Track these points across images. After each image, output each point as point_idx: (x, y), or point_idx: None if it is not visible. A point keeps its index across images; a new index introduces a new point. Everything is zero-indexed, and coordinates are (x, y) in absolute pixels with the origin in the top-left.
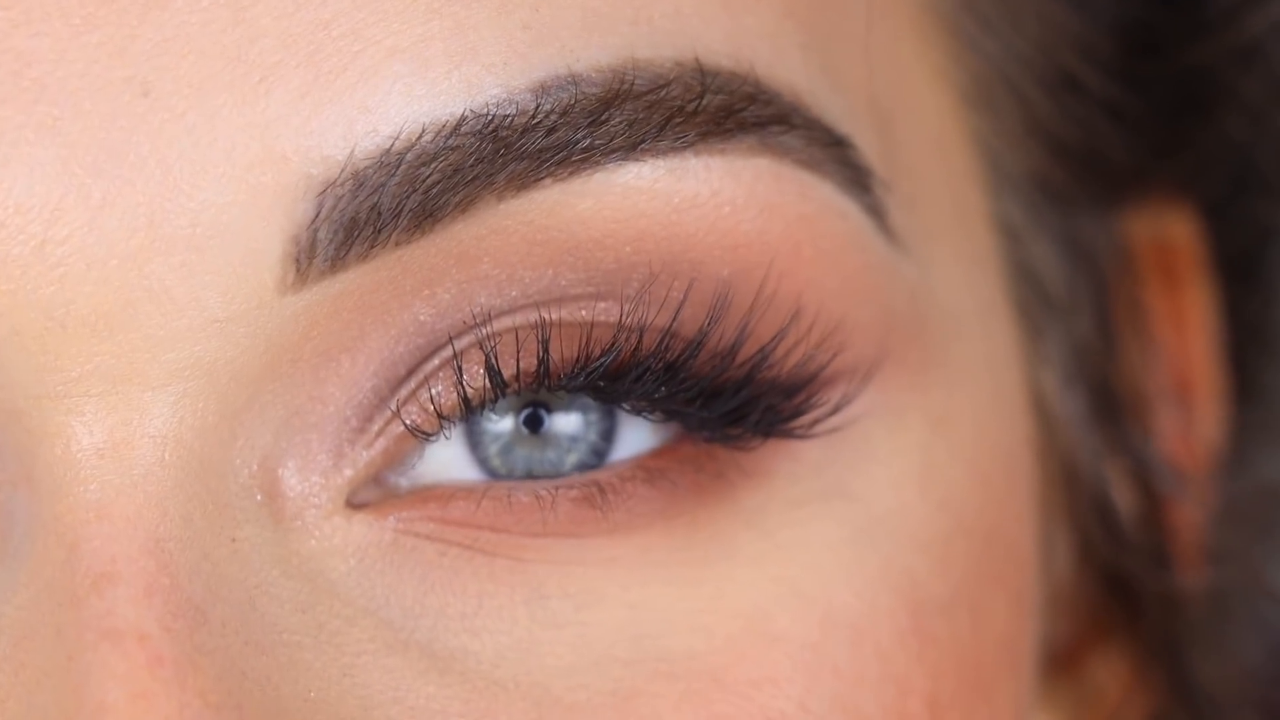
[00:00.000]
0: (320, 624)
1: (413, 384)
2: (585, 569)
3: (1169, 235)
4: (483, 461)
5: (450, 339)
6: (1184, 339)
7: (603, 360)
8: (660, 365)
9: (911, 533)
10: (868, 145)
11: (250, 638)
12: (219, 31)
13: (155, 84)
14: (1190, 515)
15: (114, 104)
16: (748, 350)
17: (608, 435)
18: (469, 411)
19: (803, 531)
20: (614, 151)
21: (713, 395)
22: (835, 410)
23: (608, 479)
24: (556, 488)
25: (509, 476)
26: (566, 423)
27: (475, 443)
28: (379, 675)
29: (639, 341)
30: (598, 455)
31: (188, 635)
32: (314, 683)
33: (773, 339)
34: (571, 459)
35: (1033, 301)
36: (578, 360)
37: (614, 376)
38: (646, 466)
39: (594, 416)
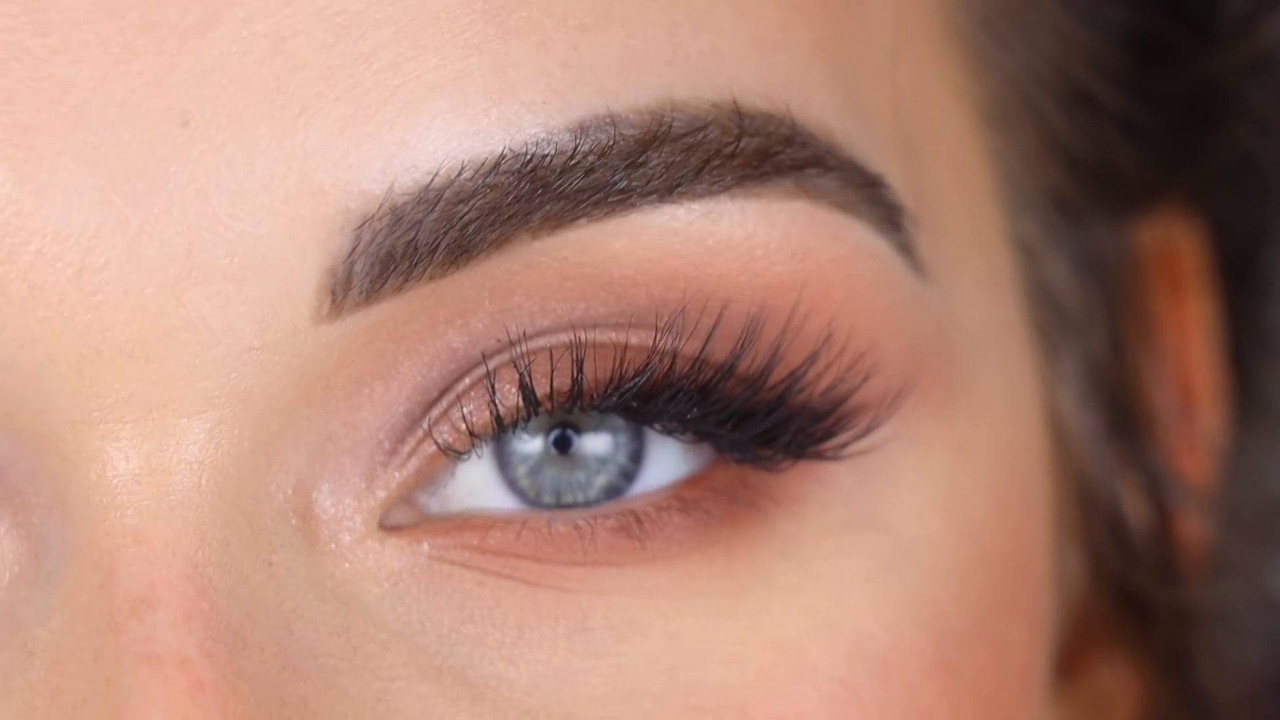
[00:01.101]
0: (355, 648)
1: (444, 404)
2: (628, 599)
3: (1172, 243)
4: (511, 483)
5: (484, 358)
6: (1186, 346)
7: (636, 381)
8: (693, 387)
9: (936, 563)
10: (896, 178)
11: (288, 662)
12: (258, 62)
13: (194, 114)
14: (1196, 526)
15: (153, 133)
16: (779, 373)
17: (636, 457)
18: (500, 430)
19: (836, 562)
20: (651, 194)
21: (745, 417)
22: (866, 432)
23: (643, 508)
24: (594, 517)
25: (538, 498)
26: (595, 444)
27: (504, 464)
28: (411, 701)
29: (672, 364)
30: (626, 477)
31: (227, 660)
32: (349, 708)
33: (804, 362)
34: (600, 480)
35: (1049, 320)
36: (611, 380)
37: (647, 397)
38: (681, 496)
39: (623, 438)
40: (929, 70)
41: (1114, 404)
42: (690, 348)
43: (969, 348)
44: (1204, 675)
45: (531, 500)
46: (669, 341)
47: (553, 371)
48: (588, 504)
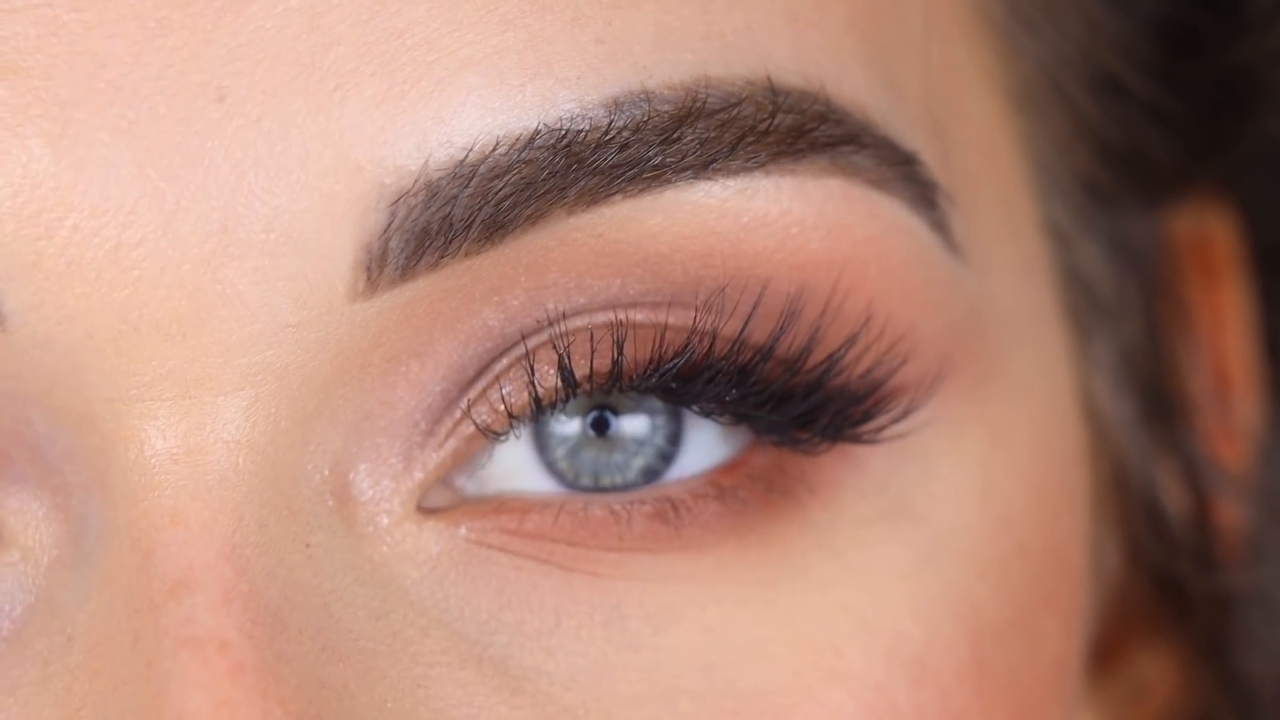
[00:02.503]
0: (394, 632)
1: (482, 384)
2: (662, 586)
3: (1207, 231)
4: (550, 465)
5: (523, 338)
6: (1222, 334)
7: (675, 361)
8: (732, 368)
9: (972, 555)
10: (930, 157)
11: (327, 644)
12: (293, 38)
13: (230, 89)
14: (1234, 513)
15: (189, 108)
16: (817, 356)
17: (674, 439)
18: (539, 411)
19: (871, 555)
20: (685, 170)
21: (783, 399)
22: (904, 415)
23: (679, 495)
24: (630, 502)
25: (576, 480)
26: (633, 425)
27: (542, 445)
28: (452, 689)
29: (711, 345)
30: (664, 459)
31: (267, 642)
32: (389, 692)
33: (842, 345)
34: (638, 462)
35: (1082, 305)
36: (650, 361)
37: (686, 378)
38: (717, 483)
39: (660, 420)
40: (959, 54)
41: (1149, 390)
42: (730, 328)
43: (1003, 330)
44: (1243, 661)
45: (570, 482)
46: (709, 321)
47: (593, 353)
48: (625, 486)
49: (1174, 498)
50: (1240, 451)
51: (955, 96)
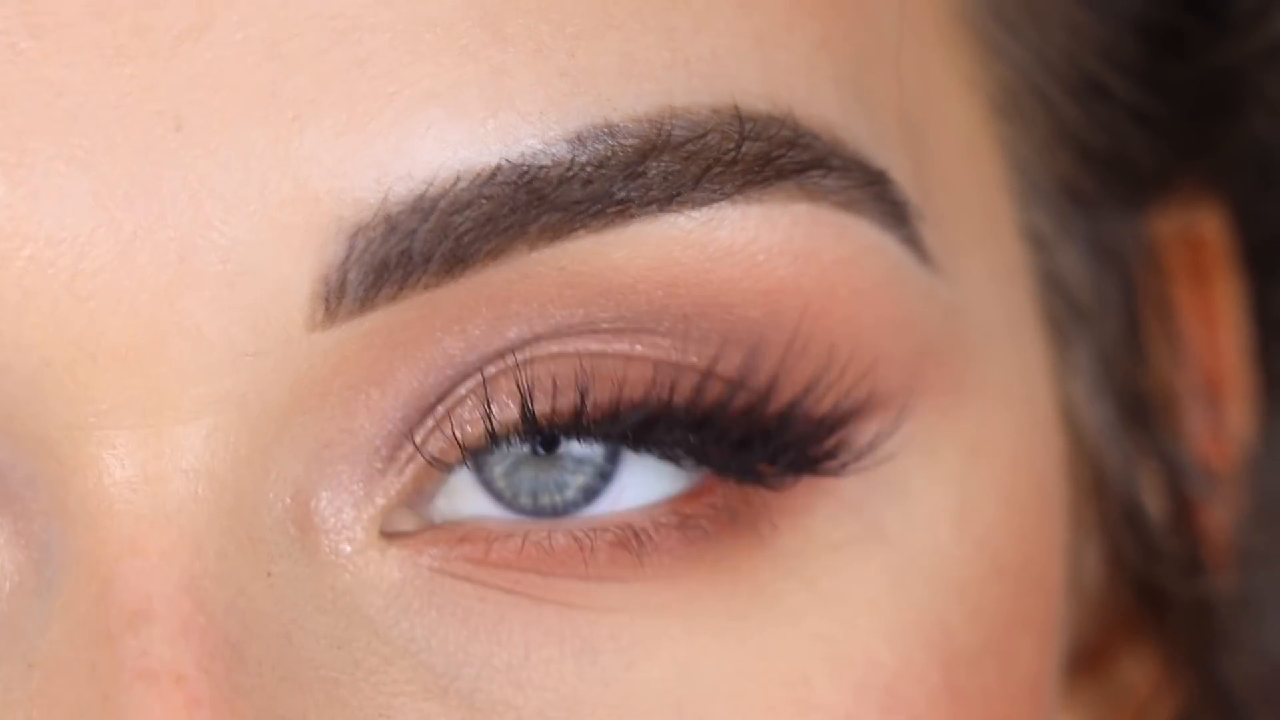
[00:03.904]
0: (357, 661)
1: (440, 411)
2: (634, 618)
3: (1197, 231)
4: (487, 484)
5: (481, 367)
6: (1213, 335)
7: (634, 415)
8: (691, 420)
9: (948, 577)
10: (902, 170)
11: (287, 674)
12: (253, 66)
13: (188, 118)
14: (1220, 516)
15: (146, 137)
16: (779, 401)
17: (613, 457)
18: (494, 444)
19: (843, 581)
20: (650, 203)
21: (743, 445)
22: (869, 450)
23: (640, 523)
24: (592, 529)
25: (515, 499)
26: (574, 445)
27: (479, 464)
28: (415, 719)
29: (670, 395)
30: (603, 477)
31: (225, 675)
32: None
33: (805, 389)
34: (578, 480)
35: (1061, 311)
36: (609, 413)
37: (646, 427)
38: (679, 511)
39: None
40: (937, 59)
41: (1130, 394)
42: (695, 364)
43: (979, 340)
44: (1226, 666)
45: (508, 502)
46: (672, 356)
47: (554, 393)
48: (565, 505)
49: (1156, 502)
50: (1230, 454)
51: (932, 102)
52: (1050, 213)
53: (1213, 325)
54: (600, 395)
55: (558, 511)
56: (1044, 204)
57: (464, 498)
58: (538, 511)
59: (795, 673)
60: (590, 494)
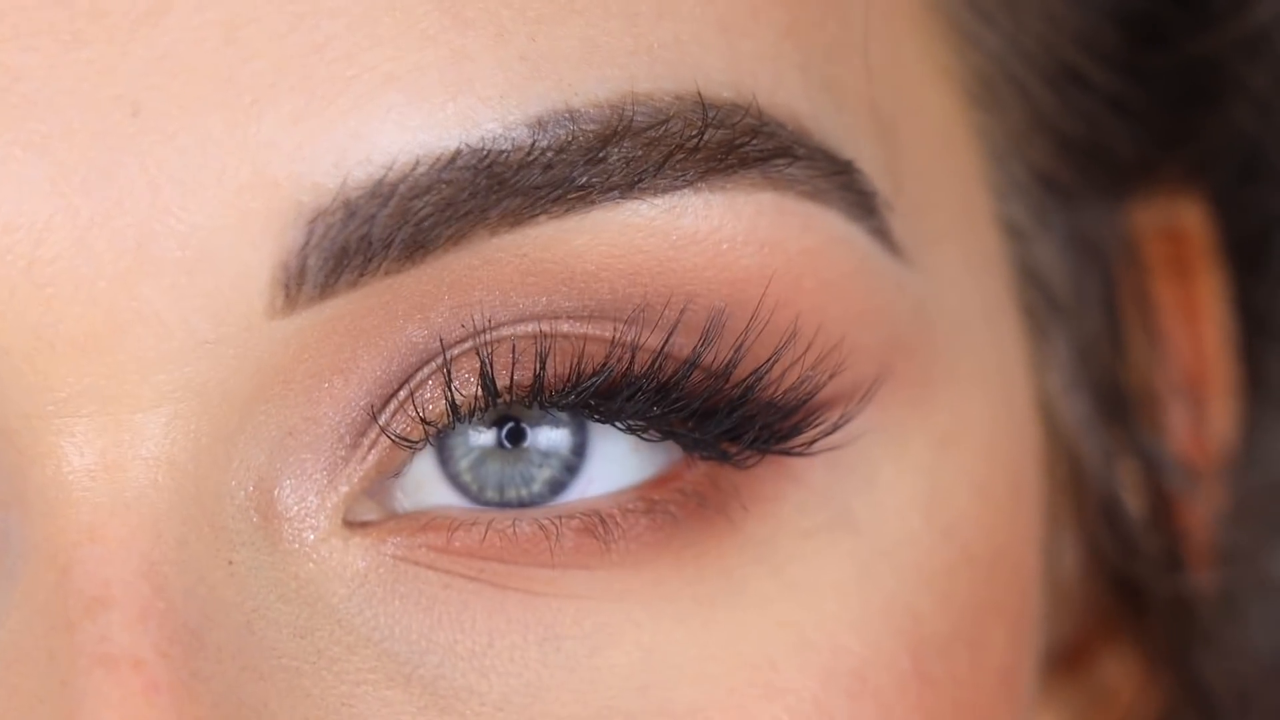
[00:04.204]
0: (319, 650)
1: (403, 395)
2: (598, 604)
3: (1179, 224)
4: (453, 477)
5: (444, 349)
6: (1195, 330)
7: (594, 380)
8: (653, 385)
9: (917, 565)
10: (871, 161)
11: (248, 663)
12: (211, 51)
13: (145, 103)
14: (1201, 513)
15: (104, 122)
16: (742, 370)
17: (579, 450)
18: (456, 420)
19: (810, 569)
20: (612, 190)
21: (708, 415)
22: (834, 428)
23: (608, 509)
24: (559, 517)
25: (481, 493)
26: (538, 437)
27: (446, 458)
28: (378, 707)
29: (631, 361)
30: (570, 470)
31: (184, 661)
32: (313, 711)
33: (768, 360)
34: (544, 474)
35: (1038, 303)
36: (569, 378)
37: (606, 395)
38: (647, 497)
39: (565, 432)
40: (910, 48)
41: (1109, 388)
42: (652, 341)
43: (952, 331)
44: (1205, 663)
45: (475, 495)
46: (630, 334)
47: (514, 365)
48: (531, 499)
49: (1136, 498)
50: (1211, 450)
51: (905, 92)
52: (1027, 204)
53: (1195, 320)
54: (560, 366)
55: (524, 504)
56: (1020, 195)
57: (429, 491)
58: (504, 505)
59: (761, 657)
60: (557, 487)
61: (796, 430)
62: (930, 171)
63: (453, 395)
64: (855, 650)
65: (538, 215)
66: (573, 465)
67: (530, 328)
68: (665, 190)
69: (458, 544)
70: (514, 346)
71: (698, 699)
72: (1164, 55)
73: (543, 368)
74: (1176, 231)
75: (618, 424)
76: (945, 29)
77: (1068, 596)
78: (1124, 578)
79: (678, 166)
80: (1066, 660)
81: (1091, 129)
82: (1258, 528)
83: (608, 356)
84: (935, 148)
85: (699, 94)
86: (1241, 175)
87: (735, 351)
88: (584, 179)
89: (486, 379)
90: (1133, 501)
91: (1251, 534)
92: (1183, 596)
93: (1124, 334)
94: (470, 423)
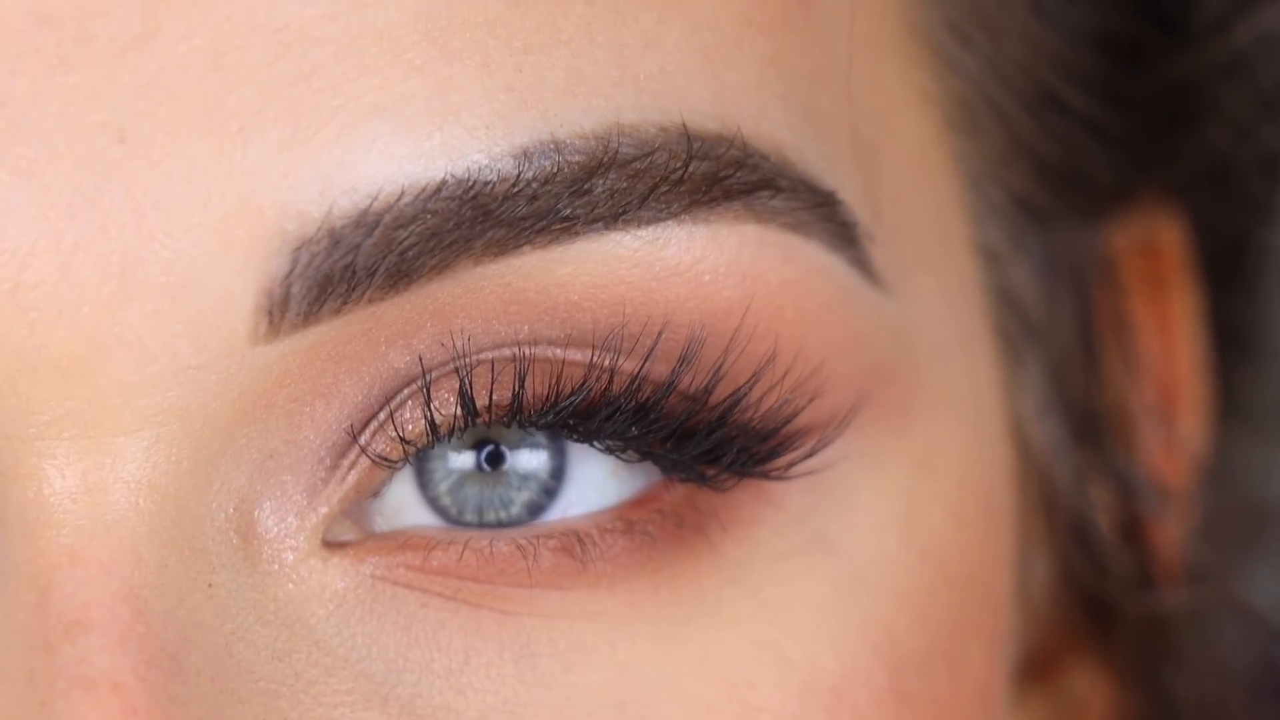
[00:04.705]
0: (297, 673)
1: (383, 415)
2: (573, 623)
3: (1154, 241)
4: (433, 500)
5: (425, 373)
6: (1169, 346)
7: (573, 399)
8: (631, 405)
9: (893, 585)
10: (852, 190)
11: (226, 686)
12: (197, 78)
13: (131, 129)
14: (1172, 531)
15: (89, 148)
16: (720, 393)
17: (558, 474)
18: (436, 439)
19: (787, 589)
20: (596, 221)
21: (685, 436)
22: (812, 453)
23: (585, 529)
24: (536, 536)
25: (460, 516)
26: (517, 460)
27: (425, 481)
28: None
29: (610, 381)
30: (548, 494)
31: (162, 685)
32: None
33: (746, 382)
34: (523, 497)
35: (1013, 326)
36: (548, 398)
37: (585, 415)
38: (625, 517)
39: (544, 454)
40: (890, 73)
41: (1082, 410)
42: (629, 365)
43: (929, 357)
44: (1174, 680)
45: (454, 518)
46: (607, 358)
47: (493, 384)
48: (510, 522)
49: (1108, 517)
50: (1182, 468)
51: (885, 119)
52: (1003, 228)
53: (1168, 336)
54: (539, 386)
55: (502, 526)
56: (997, 219)
57: (409, 514)
58: (483, 527)
59: (738, 675)
60: (535, 509)
61: (774, 454)
62: (909, 197)
63: (432, 415)
64: (832, 669)
65: (522, 246)
66: (551, 489)
67: (510, 351)
68: (649, 222)
69: (435, 563)
70: (493, 366)
71: (675, 716)
72: (1142, 79)
73: (521, 387)
74: (1151, 247)
75: (596, 444)
76: (925, 54)
77: (1038, 612)
78: (1094, 595)
79: (662, 199)
80: (1036, 672)
81: (1069, 153)
82: (1229, 546)
83: (585, 376)
84: (914, 174)
85: (684, 126)
86: (1216, 194)
87: (714, 374)
88: (569, 210)
89: (466, 398)
90: (1104, 520)
91: (1223, 553)
92: (1153, 615)
93: (1098, 354)
94: (449, 442)
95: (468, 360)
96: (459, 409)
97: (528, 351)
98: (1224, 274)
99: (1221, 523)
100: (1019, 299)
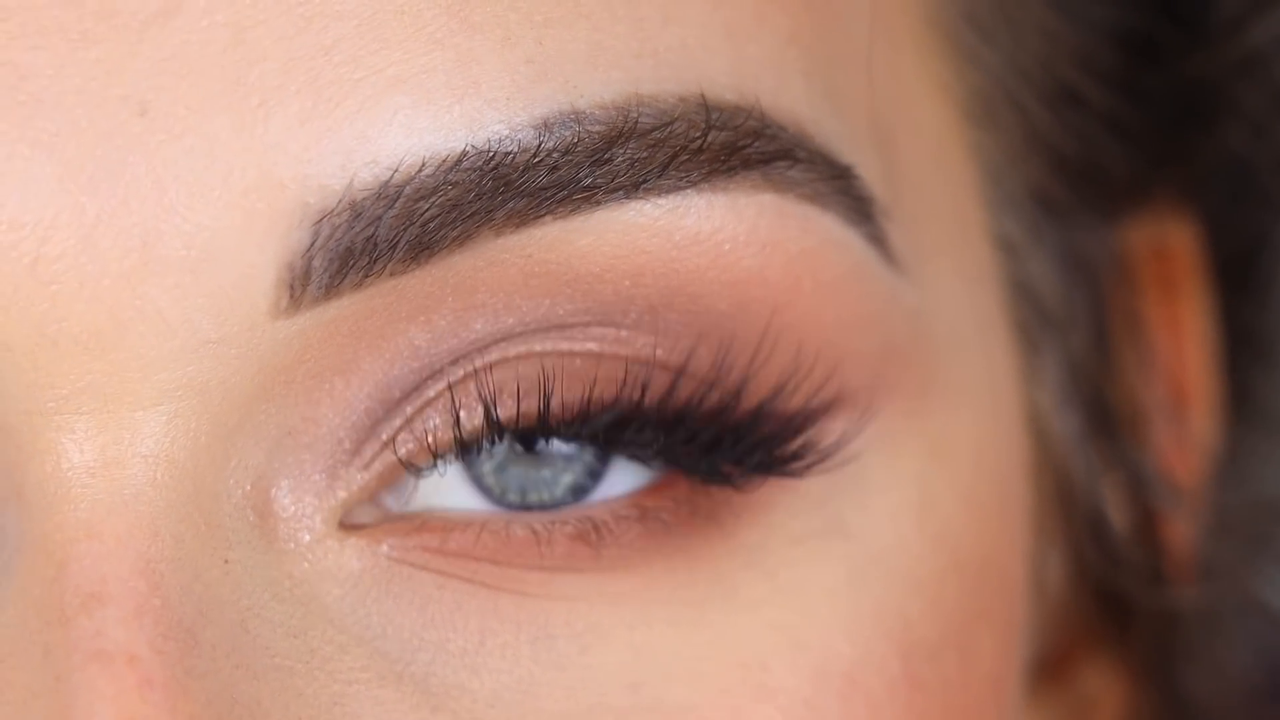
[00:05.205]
0: (312, 650)
1: (408, 410)
2: (590, 605)
3: (1167, 243)
4: (477, 480)
5: (452, 362)
6: (1180, 347)
7: (604, 417)
8: (661, 420)
9: (907, 571)
10: (870, 169)
11: (241, 661)
12: (219, 52)
13: (153, 103)
14: (1184, 529)
15: (111, 122)
16: (747, 403)
17: (603, 456)
18: (464, 451)
19: (802, 573)
20: (616, 190)
21: (711, 446)
22: (834, 451)
23: (601, 516)
24: (553, 522)
25: (503, 495)
26: (562, 443)
27: (469, 461)
28: (370, 706)
29: (642, 396)
30: (593, 476)
31: (178, 658)
32: (305, 710)
33: (772, 391)
34: (567, 479)
35: (1030, 318)
36: (579, 415)
37: (615, 427)
38: (640, 505)
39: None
40: (909, 63)
41: (1097, 404)
42: (663, 372)
43: (945, 342)
44: (1187, 678)
45: (497, 498)
46: (642, 351)
47: (519, 395)
48: (553, 503)
49: (1121, 513)
50: (1194, 466)
51: (903, 107)
52: (1021, 220)
53: (1180, 337)
54: (569, 396)
55: (546, 509)
56: (1015, 211)
57: (451, 493)
58: (526, 509)
59: (753, 657)
60: (580, 492)
61: (796, 456)
62: (926, 185)
63: (460, 430)
64: (846, 653)
65: (543, 216)
66: (596, 471)
67: (537, 346)
68: (669, 191)
69: (453, 545)
70: (519, 381)
71: (690, 697)
72: (1160, 76)
73: (548, 407)
74: (1164, 250)
75: (622, 454)
76: (945, 46)
77: (1052, 607)
78: (1109, 591)
79: (682, 168)
80: (1050, 671)
81: (1086, 148)
82: (1242, 545)
83: (621, 384)
84: (931, 162)
85: (703, 96)
86: (1232, 195)
87: (742, 383)
88: (589, 180)
89: (492, 416)
90: (1119, 516)
91: (1235, 551)
92: (1167, 611)
93: (1113, 350)
94: (477, 453)
95: (489, 360)
96: (484, 422)
97: (553, 347)
98: (1239, 274)
99: (1234, 522)
100: (1036, 291)
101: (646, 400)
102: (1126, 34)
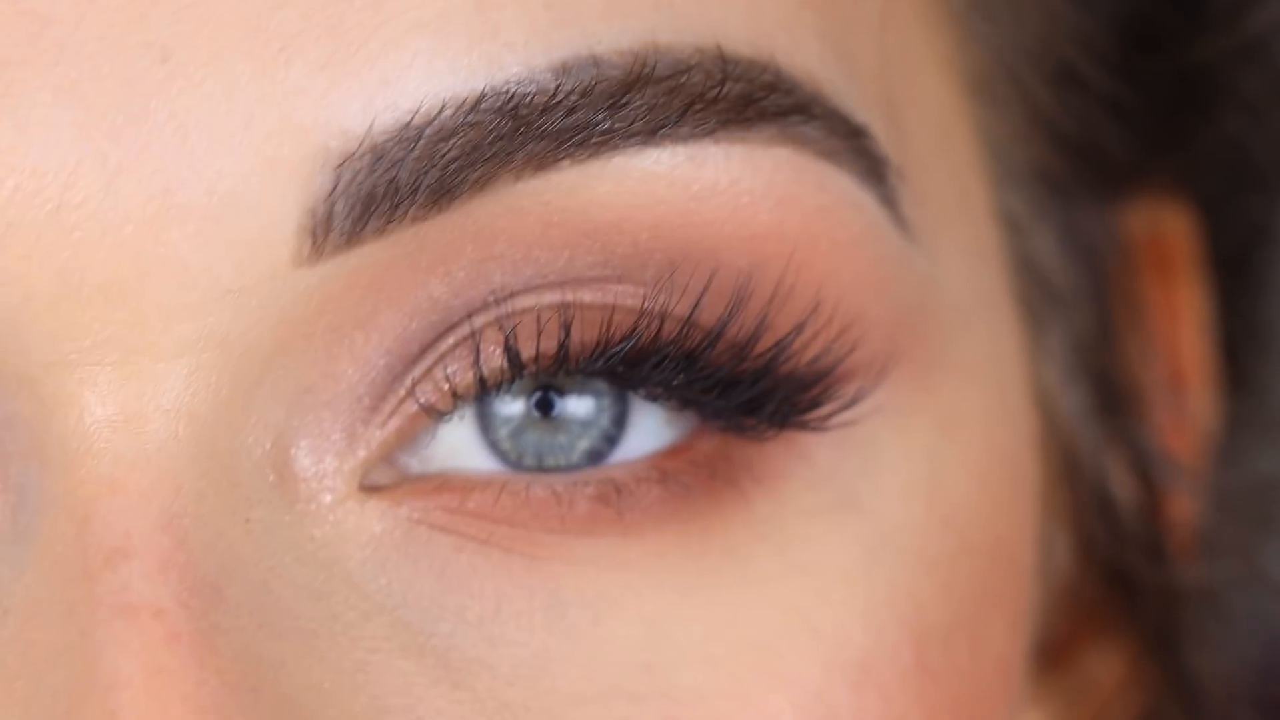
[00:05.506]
0: (335, 614)
1: (428, 361)
2: (600, 571)
3: (1164, 230)
4: (493, 444)
5: (469, 315)
6: (1177, 331)
7: (623, 345)
8: (679, 353)
9: (919, 552)
10: (882, 134)
11: (265, 621)
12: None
13: (175, 50)
14: (1186, 508)
15: (133, 69)
16: (766, 342)
17: (619, 421)
18: (484, 391)
19: (815, 551)
20: (634, 136)
21: (730, 385)
22: (852, 403)
23: (622, 478)
24: (573, 483)
25: (520, 460)
26: (578, 407)
27: (486, 425)
28: (391, 677)
29: (659, 329)
30: (609, 441)
31: (204, 613)
32: (327, 674)
33: (791, 331)
34: (583, 444)
35: (1035, 294)
36: (597, 345)
37: (633, 362)
38: (660, 467)
39: (606, 402)
40: (916, 38)
41: (1101, 382)
42: (680, 308)
43: (953, 315)
44: (1192, 657)
45: (513, 463)
46: (659, 302)
47: (539, 334)
48: (569, 467)
49: (1125, 490)
50: (1192, 446)
51: (910, 82)
52: (1024, 197)
53: (1177, 321)
54: (586, 334)
55: (561, 472)
56: (1018, 188)
57: (468, 457)
58: (542, 472)
59: (765, 642)
60: (596, 457)
61: (815, 403)
62: (931, 159)
63: (481, 370)
64: (859, 639)
65: (561, 160)
66: (613, 436)
67: (554, 297)
68: (686, 139)
69: (472, 505)
70: (539, 316)
71: (702, 683)
72: (1160, 60)
73: (567, 336)
74: (1159, 237)
75: (640, 392)
76: (950, 24)
77: (1057, 590)
78: (1114, 570)
79: (698, 116)
80: (1053, 656)
81: (1087, 129)
82: (1244, 525)
83: (635, 326)
84: (936, 137)
85: (719, 47)
86: (1232, 183)
87: (759, 324)
88: (607, 124)
89: (511, 352)
90: (1123, 494)
91: (1238, 531)
92: (1171, 589)
93: (1114, 329)
94: (497, 394)
95: (510, 309)
96: (505, 362)
97: (572, 297)
98: (1238, 259)
99: (1234, 503)
100: (1040, 267)
101: (664, 333)
102: (1127, 18)
